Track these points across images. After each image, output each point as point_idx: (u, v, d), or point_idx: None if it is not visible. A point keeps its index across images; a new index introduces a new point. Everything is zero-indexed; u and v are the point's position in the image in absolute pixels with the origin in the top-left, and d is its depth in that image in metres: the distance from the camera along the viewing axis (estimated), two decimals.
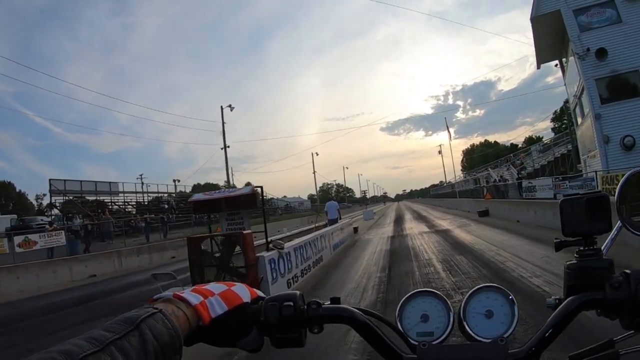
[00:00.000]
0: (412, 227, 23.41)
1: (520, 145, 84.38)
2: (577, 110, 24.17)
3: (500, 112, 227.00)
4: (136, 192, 46.50)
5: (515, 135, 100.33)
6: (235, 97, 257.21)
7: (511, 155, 52.43)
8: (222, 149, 35.76)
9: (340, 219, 22.03)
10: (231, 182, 73.72)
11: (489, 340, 0.79)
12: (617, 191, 0.89)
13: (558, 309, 0.78)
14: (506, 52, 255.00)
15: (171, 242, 24.47)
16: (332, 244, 15.98)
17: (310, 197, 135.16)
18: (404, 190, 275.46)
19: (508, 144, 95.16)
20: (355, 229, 23.00)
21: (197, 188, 66.24)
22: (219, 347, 0.77)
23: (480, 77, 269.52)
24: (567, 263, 0.84)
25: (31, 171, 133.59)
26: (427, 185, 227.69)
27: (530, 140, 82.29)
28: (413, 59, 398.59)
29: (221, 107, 36.14)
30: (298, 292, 0.80)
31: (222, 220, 9.51)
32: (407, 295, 0.88)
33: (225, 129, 35.81)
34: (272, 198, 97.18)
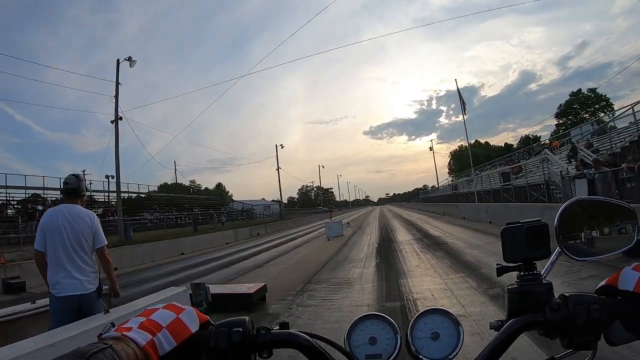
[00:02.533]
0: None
1: (515, 145, 79.69)
2: None
3: (483, 118, 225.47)
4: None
5: (497, 141, 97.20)
6: (215, 98, 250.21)
7: (535, 145, 45.70)
8: (112, 122, 26.35)
9: None
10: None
11: None
12: (556, 218, 0.92)
13: (501, 329, 0.81)
14: (490, 58, 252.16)
15: None
16: None
17: (288, 200, 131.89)
18: (387, 194, 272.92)
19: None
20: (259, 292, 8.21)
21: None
22: None
23: (463, 82, 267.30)
24: (509, 287, 0.89)
25: None
26: (410, 189, 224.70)
27: (527, 140, 78.21)
28: (397, 64, 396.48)
29: (117, 60, 26.63)
30: (247, 318, 0.80)
31: None
32: (355, 319, 0.90)
33: (118, 90, 26.28)
34: (228, 198, 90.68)
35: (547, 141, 40.65)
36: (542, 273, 0.90)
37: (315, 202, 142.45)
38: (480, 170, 45.86)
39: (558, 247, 0.92)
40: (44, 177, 40.45)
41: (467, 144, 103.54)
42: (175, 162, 72.96)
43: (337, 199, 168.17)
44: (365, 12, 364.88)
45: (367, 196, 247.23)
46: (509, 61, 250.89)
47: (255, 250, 21.34)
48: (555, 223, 0.92)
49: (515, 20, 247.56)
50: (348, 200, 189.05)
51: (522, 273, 0.89)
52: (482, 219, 23.12)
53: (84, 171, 39.64)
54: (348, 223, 36.33)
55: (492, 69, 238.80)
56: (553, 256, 0.92)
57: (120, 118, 26.80)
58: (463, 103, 32.24)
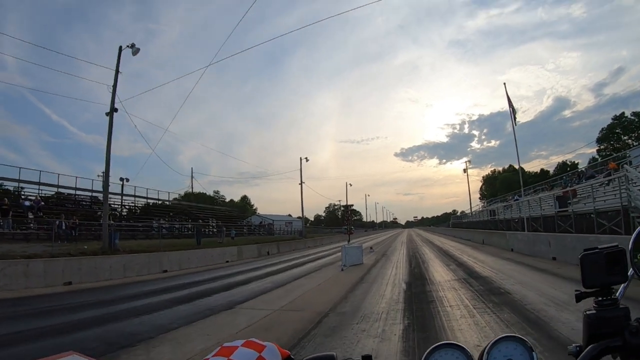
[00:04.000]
0: None
1: (552, 172, 74.93)
2: None
3: (515, 144, 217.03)
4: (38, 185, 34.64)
5: (530, 167, 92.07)
6: (248, 112, 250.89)
7: (586, 167, 40.46)
8: (107, 114, 22.79)
9: None
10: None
11: None
12: (631, 242, 0.94)
13: (580, 356, 0.83)
14: (524, 83, 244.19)
15: None
16: None
17: (315, 217, 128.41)
18: (415, 217, 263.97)
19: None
20: None
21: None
22: None
23: (497, 107, 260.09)
24: (587, 312, 0.90)
25: None
26: (439, 214, 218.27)
27: (564, 167, 73.26)
28: (430, 85, 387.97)
29: (119, 47, 23.24)
30: (335, 354, 0.79)
31: None
32: (429, 349, 0.90)
33: (117, 78, 23.00)
34: (251, 211, 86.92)
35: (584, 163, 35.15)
36: (618, 297, 0.90)
37: (341, 221, 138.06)
38: (519, 196, 40.55)
39: (631, 270, 0.92)
40: (58, 174, 37.73)
41: (499, 169, 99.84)
42: (192, 169, 69.71)
43: (364, 219, 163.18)
44: (401, 32, 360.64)
45: (395, 218, 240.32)
46: (543, 86, 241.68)
47: (247, 277, 16.82)
48: (630, 246, 0.93)
49: (551, 45, 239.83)
50: (375, 221, 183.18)
51: (599, 298, 0.89)
52: (540, 254, 17.89)
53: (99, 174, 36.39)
54: (371, 248, 31.66)
55: (526, 94, 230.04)
56: (628, 281, 0.92)
57: (116, 110, 23.46)
58: (513, 111, 27.27)
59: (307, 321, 8.07)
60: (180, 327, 8.24)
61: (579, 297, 0.93)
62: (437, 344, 0.90)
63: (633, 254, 0.93)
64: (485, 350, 0.89)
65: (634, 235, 0.94)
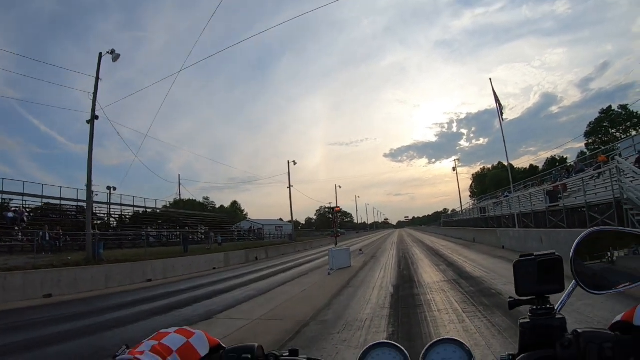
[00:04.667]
0: None
1: (541, 168, 75.14)
2: None
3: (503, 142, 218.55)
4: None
5: (518, 164, 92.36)
6: (238, 118, 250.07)
7: (575, 162, 40.86)
8: (87, 121, 22.20)
9: None
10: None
11: None
12: (572, 250, 0.92)
13: None
14: (511, 81, 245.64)
15: None
16: None
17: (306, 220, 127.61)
18: (406, 217, 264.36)
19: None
20: None
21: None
22: None
23: (485, 105, 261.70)
24: (521, 321, 0.88)
25: None
26: (430, 213, 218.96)
27: (553, 162, 73.47)
28: (418, 86, 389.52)
29: (99, 54, 22.83)
30: (256, 345, 0.80)
31: None
32: (365, 348, 0.88)
33: (98, 85, 22.45)
34: (241, 216, 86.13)
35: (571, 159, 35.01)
36: (556, 307, 0.88)
37: (332, 223, 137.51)
38: (509, 192, 40.41)
39: (574, 280, 0.90)
40: (42, 185, 36.43)
41: (489, 167, 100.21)
42: (179, 176, 68.67)
43: (356, 221, 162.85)
44: (387, 34, 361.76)
45: (386, 219, 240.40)
46: (530, 83, 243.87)
47: (230, 285, 16.29)
48: (571, 255, 0.92)
49: (537, 42, 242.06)
50: (367, 222, 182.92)
51: (534, 307, 0.87)
52: (532, 250, 16.78)
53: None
54: (360, 250, 31.16)
55: (513, 91, 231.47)
56: (569, 289, 0.90)
57: (97, 117, 22.94)
58: (500, 107, 26.93)
59: (286, 331, 7.57)
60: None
61: (512, 305, 0.91)
62: (372, 343, 0.87)
63: (574, 262, 0.91)
64: (422, 353, 0.85)
65: (574, 244, 0.92)
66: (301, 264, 25.12)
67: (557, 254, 0.91)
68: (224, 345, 0.82)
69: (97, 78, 22.86)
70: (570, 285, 0.90)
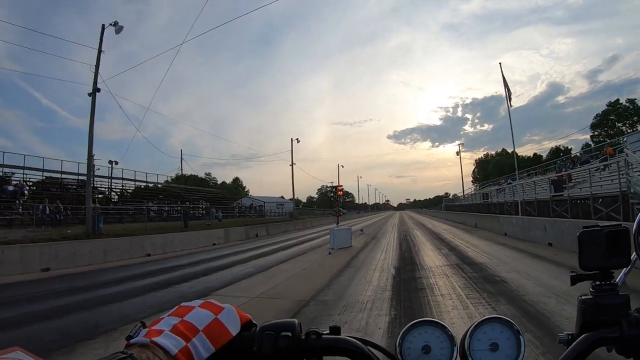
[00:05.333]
0: None
1: (545, 157, 74.89)
2: None
3: (508, 128, 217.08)
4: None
5: (522, 152, 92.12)
6: (240, 94, 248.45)
7: (581, 152, 40.10)
8: (89, 94, 22.01)
9: None
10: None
11: None
12: (635, 223, 0.86)
13: (572, 345, 0.74)
14: (518, 68, 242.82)
15: None
16: None
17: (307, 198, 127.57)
18: (407, 200, 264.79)
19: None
20: None
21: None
22: None
23: (491, 91, 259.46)
24: (582, 297, 0.81)
25: None
26: (432, 197, 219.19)
27: (557, 152, 73.07)
28: (423, 69, 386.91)
29: (102, 26, 22.30)
30: (296, 320, 0.73)
31: None
32: (408, 325, 0.83)
33: (100, 58, 22.14)
34: (243, 193, 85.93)
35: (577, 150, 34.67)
36: (617, 283, 0.81)
37: (333, 202, 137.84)
38: (513, 179, 40.09)
39: (634, 255, 0.85)
40: (43, 158, 36.34)
41: (492, 153, 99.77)
42: (181, 151, 68.55)
43: (357, 201, 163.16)
44: (394, 14, 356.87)
45: (387, 200, 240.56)
46: (537, 72, 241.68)
47: (230, 261, 16.14)
48: (634, 228, 0.85)
49: (546, 30, 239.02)
50: (368, 203, 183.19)
51: (597, 283, 0.81)
52: (535, 239, 17.24)
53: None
54: (362, 230, 31.21)
55: (520, 79, 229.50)
56: (630, 266, 0.85)
57: (99, 90, 22.71)
58: (508, 91, 26.53)
59: (285, 311, 7.41)
60: (147, 317, 7.53)
61: (575, 280, 0.84)
62: (416, 320, 0.80)
63: (637, 236, 0.84)
64: (468, 333, 0.78)
65: (638, 217, 0.84)
66: (302, 242, 25.02)
67: (623, 224, 0.80)
68: (255, 322, 0.71)
69: (100, 50, 22.54)
70: (632, 260, 0.84)
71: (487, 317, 0.81)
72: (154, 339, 0.56)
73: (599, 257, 0.80)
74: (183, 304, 0.67)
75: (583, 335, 0.74)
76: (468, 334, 0.79)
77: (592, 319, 0.77)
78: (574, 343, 0.74)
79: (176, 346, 0.57)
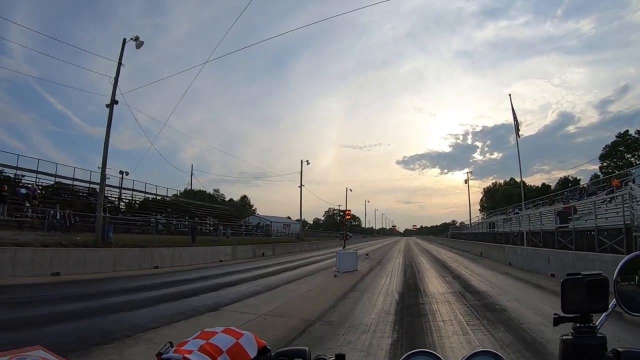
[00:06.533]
0: None
1: (553, 187, 74.36)
2: None
3: (517, 157, 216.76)
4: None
5: (531, 181, 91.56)
6: (252, 112, 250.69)
7: (588, 184, 40.18)
8: (107, 105, 22.64)
9: None
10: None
11: None
12: (616, 272, 0.94)
13: None
14: (530, 97, 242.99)
15: None
16: None
17: (315, 220, 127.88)
18: (414, 226, 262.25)
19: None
20: None
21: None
22: None
23: (501, 119, 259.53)
24: (563, 337, 0.89)
25: None
26: (438, 224, 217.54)
27: (565, 182, 72.63)
28: (435, 95, 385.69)
29: (123, 40, 23.09)
30: (307, 348, 0.81)
31: None
32: (406, 354, 0.89)
33: (120, 71, 22.81)
34: (250, 211, 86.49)
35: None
36: (597, 325, 0.88)
37: (340, 225, 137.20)
38: (520, 209, 40.04)
39: (614, 300, 0.91)
40: (56, 164, 36.63)
41: (501, 182, 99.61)
42: (192, 166, 69.24)
43: (364, 225, 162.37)
44: (408, 40, 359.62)
45: (394, 226, 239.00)
46: (548, 101, 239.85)
47: (237, 279, 16.43)
48: (614, 275, 0.93)
49: (558, 59, 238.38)
50: (374, 227, 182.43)
51: (577, 325, 0.88)
52: (538, 269, 17.46)
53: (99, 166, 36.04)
54: (367, 254, 31.30)
55: (531, 107, 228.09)
56: (609, 309, 0.90)
57: (117, 102, 23.28)
58: (517, 123, 26.93)
59: (291, 329, 7.70)
60: (159, 327, 7.88)
61: (557, 322, 0.92)
62: (413, 351, 0.87)
63: (617, 283, 0.92)
64: None
65: (619, 265, 0.93)
66: (307, 264, 25.25)
67: (603, 274, 0.91)
68: (269, 348, 0.81)
69: (120, 63, 23.09)
70: (611, 305, 0.91)
71: (478, 350, 0.88)
72: (186, 355, 0.65)
73: (580, 302, 0.89)
74: (206, 329, 0.77)
75: None
76: None
77: (572, 357, 0.85)
78: None
79: None
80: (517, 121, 27.06)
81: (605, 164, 65.69)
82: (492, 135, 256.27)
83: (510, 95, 28.34)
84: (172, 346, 0.70)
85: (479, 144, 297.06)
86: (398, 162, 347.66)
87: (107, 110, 22.70)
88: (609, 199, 22.39)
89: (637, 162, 52.58)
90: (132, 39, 23.21)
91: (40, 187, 31.94)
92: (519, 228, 29.63)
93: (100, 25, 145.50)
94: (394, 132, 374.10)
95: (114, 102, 22.87)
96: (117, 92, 22.77)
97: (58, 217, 23.72)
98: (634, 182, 23.01)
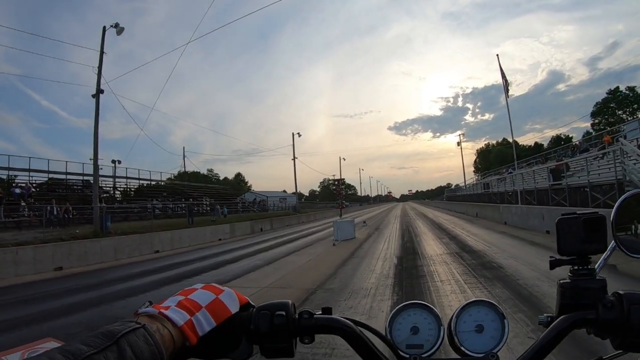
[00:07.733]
0: None
1: (546, 146, 74.73)
2: None
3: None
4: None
5: (523, 141, 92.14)
6: (240, 89, 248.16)
7: (580, 141, 40.64)
8: (93, 96, 22.32)
9: None
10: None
11: (480, 355, 0.80)
12: (613, 212, 0.91)
13: (550, 326, 0.78)
14: (519, 56, 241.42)
15: None
16: None
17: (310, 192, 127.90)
18: (410, 191, 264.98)
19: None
20: None
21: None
22: None
23: (491, 80, 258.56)
24: (561, 281, 0.86)
25: None
26: (434, 187, 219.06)
27: (558, 140, 73.00)
28: (424, 58, 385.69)
29: (103, 27, 22.55)
30: (290, 301, 0.78)
31: None
32: (398, 307, 0.88)
33: (102, 59, 22.29)
34: (245, 188, 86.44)
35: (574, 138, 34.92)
36: (595, 268, 0.86)
37: (335, 195, 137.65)
38: (513, 169, 40.33)
39: (613, 242, 0.88)
40: (48, 160, 36.64)
41: (494, 143, 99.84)
42: (184, 148, 68.94)
43: (359, 193, 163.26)
44: (393, 4, 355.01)
45: (389, 192, 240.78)
46: (537, 60, 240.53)
47: (237, 255, 16.64)
48: (612, 216, 0.89)
49: (547, 18, 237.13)
50: (370, 195, 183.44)
51: (575, 267, 0.86)
52: (533, 227, 17.79)
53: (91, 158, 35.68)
54: (364, 222, 31.66)
55: (520, 67, 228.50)
56: (607, 251, 0.88)
57: (102, 91, 22.88)
58: (506, 83, 26.86)
59: (294, 298, 7.72)
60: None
61: (553, 265, 0.89)
62: (405, 303, 0.86)
63: (615, 224, 0.89)
64: (455, 314, 0.84)
65: (616, 204, 0.90)
66: (306, 235, 25.50)
67: (600, 212, 0.87)
68: (252, 304, 0.79)
69: (102, 52, 22.61)
70: (609, 247, 0.88)
71: (473, 299, 0.87)
72: (162, 311, 0.64)
73: (577, 243, 0.85)
74: (186, 288, 0.75)
75: (561, 317, 0.79)
76: (454, 316, 0.84)
77: (570, 301, 0.81)
78: (553, 324, 0.78)
79: (182, 319, 0.64)
80: (506, 81, 26.98)
81: (596, 120, 66.15)
82: (483, 97, 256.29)
83: (497, 55, 28.32)
84: (151, 304, 0.68)
85: (470, 105, 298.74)
86: (390, 129, 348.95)
87: (94, 100, 22.34)
88: (601, 155, 22.62)
89: (629, 118, 52.73)
90: (112, 26, 22.66)
91: (34, 185, 31.84)
92: (513, 187, 29.97)
93: (77, 15, 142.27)
94: (384, 99, 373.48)
95: (99, 91, 22.48)
96: (102, 81, 22.38)
97: (55, 212, 23.76)
98: (625, 138, 23.23)
